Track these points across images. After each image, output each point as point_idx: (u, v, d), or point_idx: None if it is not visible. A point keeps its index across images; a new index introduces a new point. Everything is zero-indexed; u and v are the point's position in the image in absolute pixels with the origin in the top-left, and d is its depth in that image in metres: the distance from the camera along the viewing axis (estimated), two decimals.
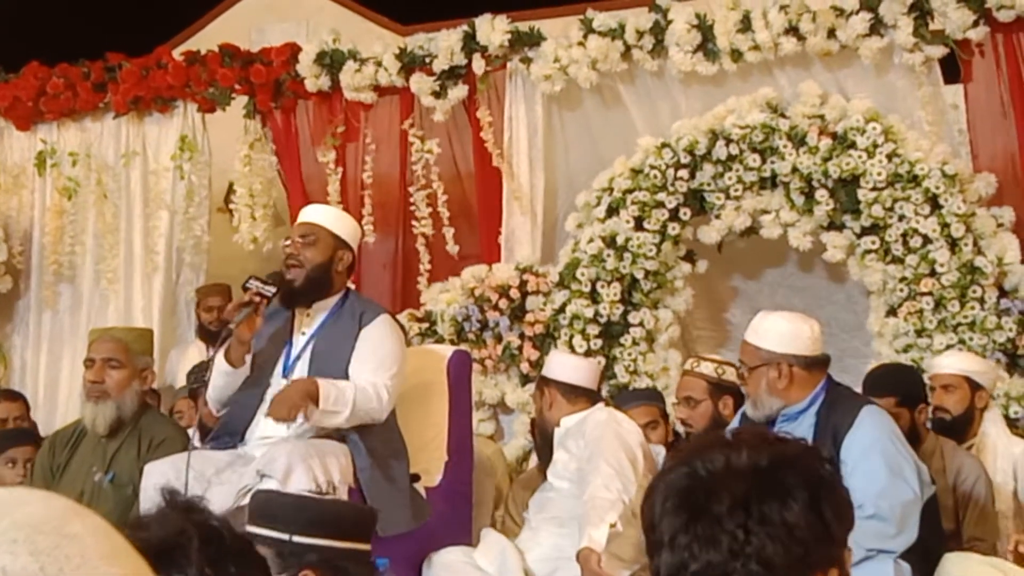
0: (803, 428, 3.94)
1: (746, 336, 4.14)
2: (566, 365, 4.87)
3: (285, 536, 2.40)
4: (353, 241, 4.53)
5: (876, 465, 3.79)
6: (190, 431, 4.63)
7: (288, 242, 4.48)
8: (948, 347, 5.63)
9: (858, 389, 4.48)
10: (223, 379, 4.34)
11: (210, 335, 6.39)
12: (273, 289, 4.24)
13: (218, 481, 3.99)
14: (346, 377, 4.25)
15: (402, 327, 4.75)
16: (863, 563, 3.66)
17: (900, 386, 4.77)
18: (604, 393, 5.53)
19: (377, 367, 4.26)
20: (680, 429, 5.62)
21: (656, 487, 1.57)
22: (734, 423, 4.35)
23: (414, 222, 6.78)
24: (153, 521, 1.73)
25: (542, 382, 4.88)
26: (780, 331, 4.05)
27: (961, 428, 4.97)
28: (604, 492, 4.17)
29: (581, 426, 4.55)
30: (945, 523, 4.46)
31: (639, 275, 6.12)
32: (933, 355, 5.63)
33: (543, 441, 4.86)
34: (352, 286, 4.78)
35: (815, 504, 1.50)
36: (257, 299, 4.21)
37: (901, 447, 3.93)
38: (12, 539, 0.86)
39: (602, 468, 4.25)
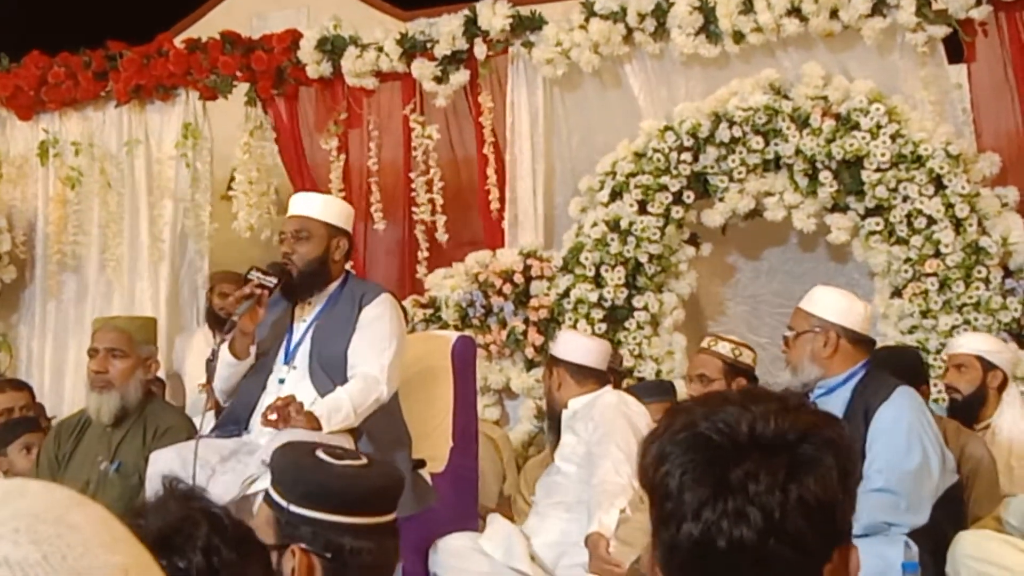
0: (837, 403, 3.96)
1: (800, 304, 4.22)
2: (576, 345, 4.84)
3: (284, 503, 2.32)
4: (347, 224, 4.50)
5: (897, 439, 3.81)
6: (208, 415, 4.62)
7: (282, 238, 4.47)
8: (953, 328, 5.64)
9: None
10: (228, 371, 4.34)
11: (218, 321, 6.38)
12: (275, 280, 4.24)
13: (223, 470, 3.99)
14: (345, 359, 4.25)
15: (404, 310, 4.75)
16: (872, 537, 3.66)
17: (899, 368, 4.76)
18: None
19: (374, 346, 4.26)
20: None
21: (667, 453, 1.50)
22: None
23: (414, 208, 6.78)
24: (154, 508, 1.72)
25: (551, 362, 4.85)
26: (834, 301, 4.14)
27: (973, 408, 4.97)
28: (614, 476, 4.15)
29: (590, 409, 4.53)
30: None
31: (643, 259, 6.12)
32: (939, 336, 5.64)
33: (551, 422, 4.84)
34: (351, 271, 4.76)
35: (843, 480, 1.49)
36: (259, 291, 4.21)
37: (928, 429, 3.95)
38: (14, 528, 0.86)
39: (612, 452, 4.24)
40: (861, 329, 4.12)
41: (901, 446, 3.80)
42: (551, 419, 4.83)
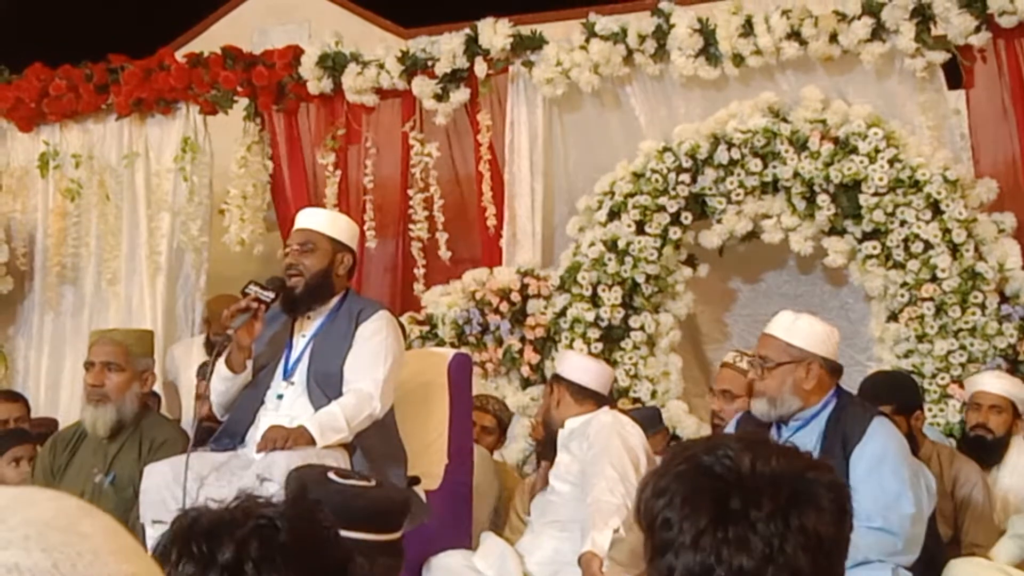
0: (813, 434, 3.93)
1: (773, 332, 4.06)
2: (579, 366, 4.84)
3: None
4: (352, 241, 4.51)
5: (887, 478, 3.78)
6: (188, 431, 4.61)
7: (287, 250, 4.47)
8: (949, 352, 5.65)
9: None
10: (224, 385, 4.33)
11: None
12: (272, 295, 4.23)
13: (216, 483, 3.98)
14: (341, 375, 4.25)
15: (402, 326, 4.74)
16: (860, 567, 3.66)
17: (897, 394, 4.76)
18: None
19: (369, 362, 4.25)
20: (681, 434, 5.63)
21: (664, 486, 1.51)
22: (730, 427, 4.33)
23: (411, 225, 6.79)
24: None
25: (553, 379, 4.85)
26: (814, 331, 4.03)
27: (998, 450, 4.96)
28: (608, 496, 4.15)
29: (585, 428, 4.53)
30: (944, 529, 4.47)
31: (640, 279, 6.12)
32: (934, 360, 5.65)
33: (547, 440, 4.83)
34: (351, 288, 4.76)
35: (839, 520, 1.49)
36: (255, 304, 4.20)
37: (909, 460, 3.93)
38: (24, 535, 0.86)
39: (607, 472, 4.24)
40: (835, 357, 4.08)
41: (892, 487, 3.77)
42: (548, 437, 4.82)
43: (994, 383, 5.13)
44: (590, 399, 4.69)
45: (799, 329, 4.03)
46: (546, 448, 4.87)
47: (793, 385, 3.96)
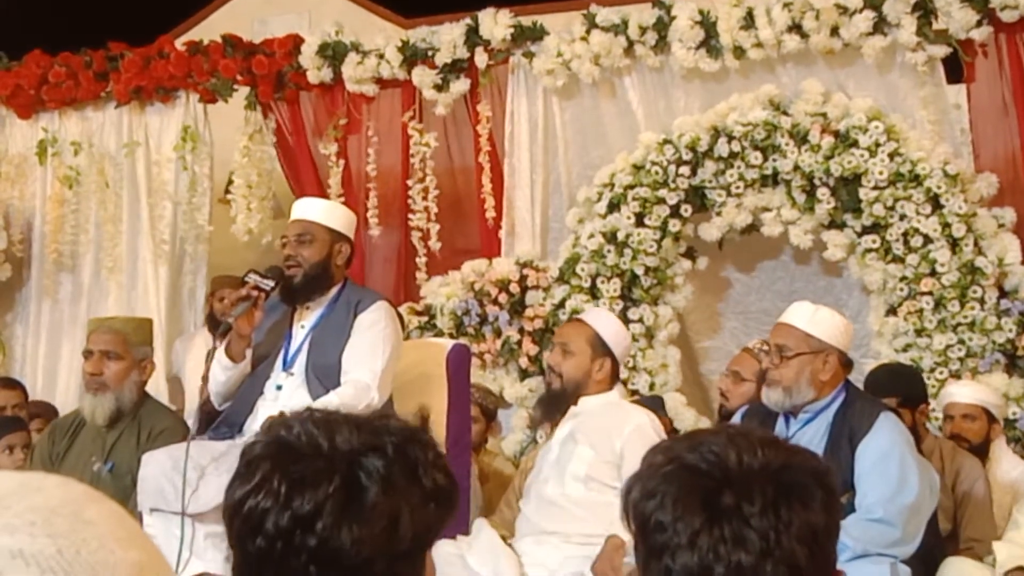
0: (821, 427, 3.94)
1: (792, 322, 4.04)
2: (624, 339, 4.49)
3: None
4: (349, 231, 4.50)
5: (890, 471, 3.79)
6: (189, 421, 4.61)
7: (284, 241, 4.45)
8: (948, 347, 5.65)
9: None
10: (224, 374, 4.32)
11: (219, 326, 6.39)
12: (272, 283, 4.23)
13: (215, 472, 3.97)
14: (340, 366, 4.24)
15: (401, 317, 4.73)
16: (858, 561, 3.66)
17: (902, 386, 4.77)
18: None
19: (367, 352, 4.24)
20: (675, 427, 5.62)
21: (653, 488, 1.50)
22: (736, 419, 4.32)
23: (411, 215, 6.78)
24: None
25: (604, 349, 4.35)
26: (834, 323, 4.04)
27: (978, 456, 4.94)
28: None
29: (607, 419, 4.24)
30: (943, 523, 4.48)
31: (639, 271, 6.12)
32: (933, 355, 5.65)
33: (554, 398, 4.41)
34: (349, 277, 4.73)
35: (827, 507, 1.50)
36: (255, 293, 4.20)
37: (915, 456, 3.94)
38: (30, 521, 0.86)
39: None
40: (848, 351, 4.10)
41: (895, 479, 3.78)
42: (555, 395, 4.39)
43: (963, 392, 5.16)
44: (615, 381, 4.43)
45: (820, 320, 4.04)
46: (549, 407, 4.46)
47: (810, 375, 3.97)
